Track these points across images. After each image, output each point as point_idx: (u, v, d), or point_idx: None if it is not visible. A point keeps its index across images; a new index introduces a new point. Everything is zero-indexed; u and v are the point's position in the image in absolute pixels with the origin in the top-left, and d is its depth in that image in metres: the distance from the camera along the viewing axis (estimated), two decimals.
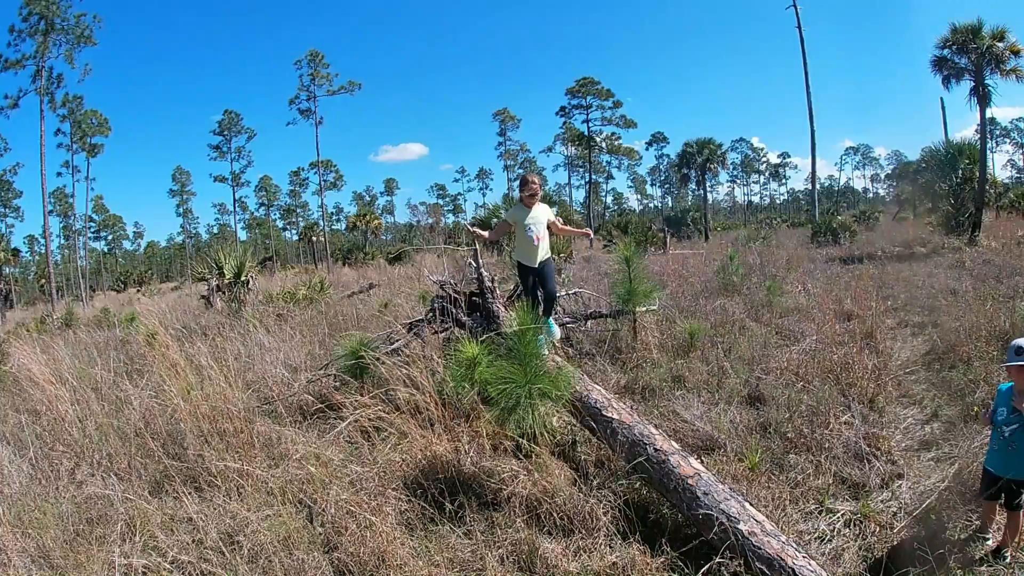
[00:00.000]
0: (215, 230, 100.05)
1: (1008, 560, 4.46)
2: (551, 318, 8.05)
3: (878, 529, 4.92)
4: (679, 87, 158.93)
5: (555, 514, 4.85)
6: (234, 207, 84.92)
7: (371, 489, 5.16)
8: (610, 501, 4.95)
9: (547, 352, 6.53)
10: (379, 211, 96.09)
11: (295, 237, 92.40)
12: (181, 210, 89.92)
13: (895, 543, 4.74)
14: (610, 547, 4.56)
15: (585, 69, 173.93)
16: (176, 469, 5.68)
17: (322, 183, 79.76)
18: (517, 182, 8.15)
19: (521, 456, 5.46)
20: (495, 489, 5.11)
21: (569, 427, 6.32)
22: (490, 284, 8.10)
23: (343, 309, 14.02)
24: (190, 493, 5.21)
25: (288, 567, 4.32)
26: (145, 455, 6.13)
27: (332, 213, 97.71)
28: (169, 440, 6.35)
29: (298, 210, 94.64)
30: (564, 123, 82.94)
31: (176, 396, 6.47)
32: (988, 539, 4.69)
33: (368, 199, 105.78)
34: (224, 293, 17.74)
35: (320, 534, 4.77)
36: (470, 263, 8.41)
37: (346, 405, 6.29)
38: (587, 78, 78.94)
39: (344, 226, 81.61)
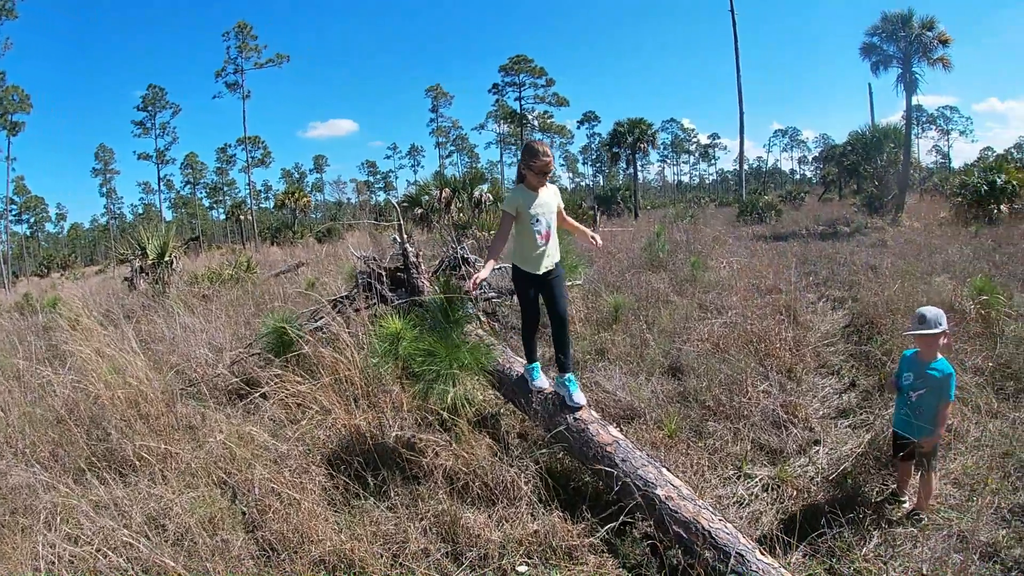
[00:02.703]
0: (140, 210, 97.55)
1: (924, 521, 4.63)
2: (574, 378, 5.62)
3: (795, 493, 5.10)
4: (612, 67, 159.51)
5: (478, 485, 4.90)
6: (159, 186, 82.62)
7: (295, 466, 5.14)
8: (532, 471, 5.02)
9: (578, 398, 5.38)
10: (308, 189, 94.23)
11: (222, 216, 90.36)
12: (104, 190, 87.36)
13: (812, 505, 4.90)
14: (532, 515, 4.62)
15: (519, 47, 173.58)
16: (100, 455, 5.59)
17: (249, 160, 78.34)
18: (523, 151, 5.66)
19: (444, 430, 5.48)
20: (419, 463, 5.14)
21: (494, 401, 6.37)
22: (415, 259, 7.99)
23: (270, 288, 13.84)
24: (115, 478, 5.14)
25: (213, 547, 4.28)
26: (69, 442, 6.00)
27: (260, 191, 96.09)
28: (92, 426, 6.25)
29: (225, 188, 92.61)
30: (497, 100, 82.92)
31: (98, 381, 6.35)
32: (904, 501, 4.88)
33: (297, 176, 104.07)
34: (148, 275, 17.34)
35: (244, 513, 4.74)
36: (395, 238, 8.29)
37: (270, 383, 6.23)
38: (520, 56, 78.94)
39: (272, 204, 80.00)
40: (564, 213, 5.98)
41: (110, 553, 4.22)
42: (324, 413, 5.86)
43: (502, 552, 4.32)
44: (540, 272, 5.61)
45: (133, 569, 4.09)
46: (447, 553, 4.38)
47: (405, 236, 8.06)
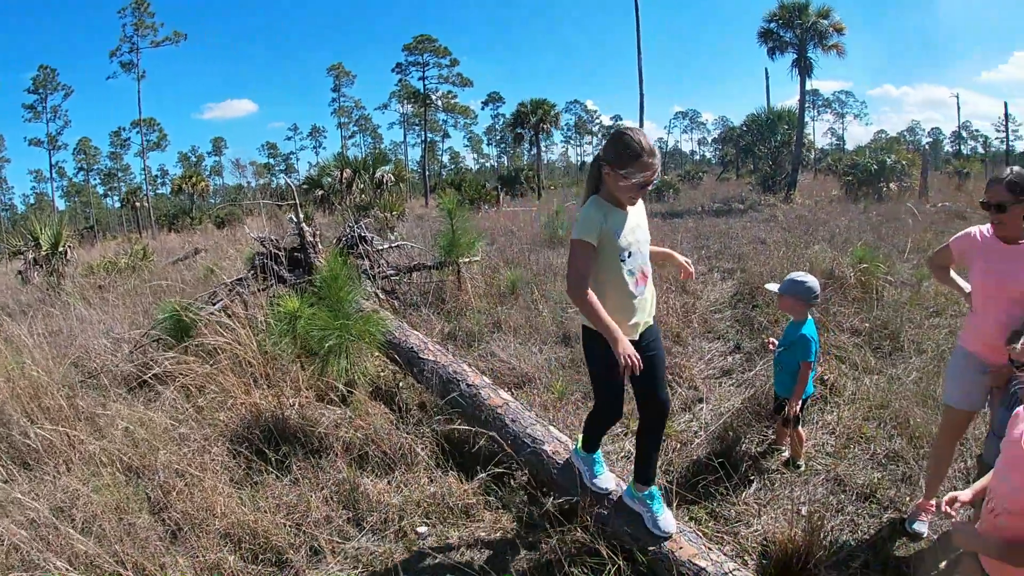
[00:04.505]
0: (32, 200, 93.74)
1: (802, 468, 4.99)
2: (658, 494, 4.10)
3: (679, 446, 5.39)
4: (516, 48, 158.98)
5: (377, 454, 5.05)
6: (51, 173, 79.01)
7: (196, 448, 5.21)
8: (429, 438, 5.23)
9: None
10: (206, 172, 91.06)
11: (118, 204, 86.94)
12: None
13: (694, 457, 5.20)
14: (429, 479, 4.81)
15: (422, 26, 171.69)
16: (2, 450, 5.55)
17: (144, 144, 75.28)
18: (609, 145, 3.71)
19: (343, 403, 5.63)
20: (319, 436, 5.25)
21: (393, 374, 6.52)
22: (311, 239, 8.07)
23: (168, 276, 13.65)
24: (19, 473, 5.11)
25: (120, 532, 4.32)
26: None
27: (156, 176, 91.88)
28: None
29: (120, 174, 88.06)
30: (400, 80, 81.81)
31: None
32: (784, 451, 5.22)
33: (194, 160, 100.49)
34: (42, 267, 16.87)
35: (150, 496, 4.79)
36: (291, 218, 8.31)
37: (169, 369, 6.25)
38: (425, 35, 77.95)
39: (169, 190, 76.73)
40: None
41: (19, 546, 4.24)
42: (224, 395, 5.91)
43: (402, 515, 4.49)
44: (638, 333, 3.88)
45: (42, 557, 4.12)
46: (349, 519, 4.52)
47: (301, 216, 8.11)
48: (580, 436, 4.49)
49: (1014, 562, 2.45)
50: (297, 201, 8.48)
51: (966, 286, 4.33)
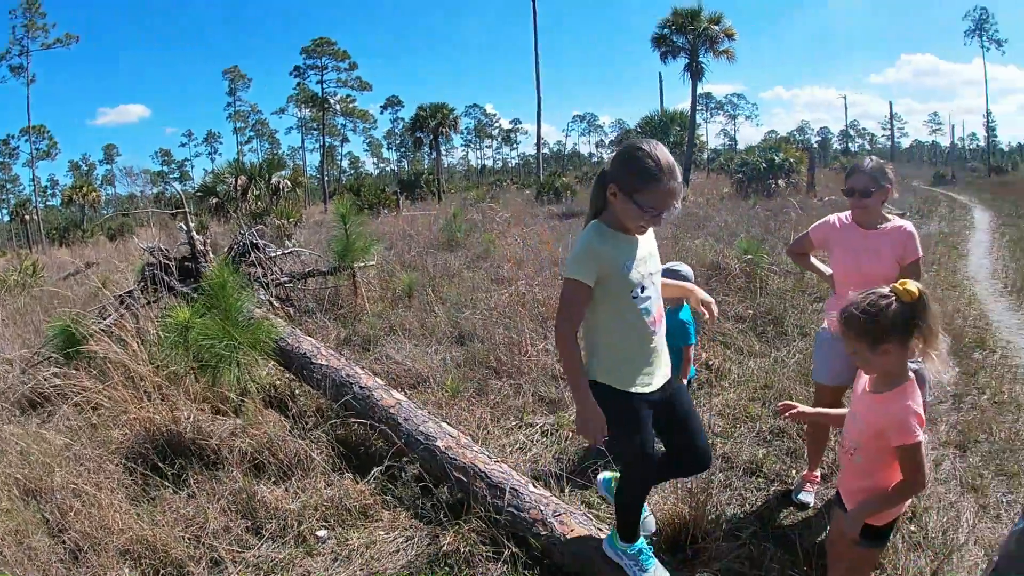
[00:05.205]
0: None
1: None
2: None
3: (571, 435, 5.57)
4: (415, 52, 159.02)
5: (272, 462, 5.05)
6: None
7: (93, 467, 5.15)
8: (324, 442, 5.26)
9: None
10: (98, 182, 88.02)
11: (6, 218, 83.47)
12: None
13: (586, 444, 5.37)
14: (326, 483, 4.83)
15: (321, 29, 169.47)
16: None
17: (34, 152, 72.26)
18: (618, 161, 3.10)
19: (237, 413, 5.61)
20: (215, 448, 5.22)
21: (288, 381, 6.55)
22: (202, 247, 7.98)
23: (59, 292, 13.31)
24: None
25: (21, 556, 4.25)
26: None
27: (46, 187, 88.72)
28: None
29: (8, 185, 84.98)
30: (298, 84, 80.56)
31: None
32: None
33: (85, 169, 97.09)
34: None
35: (48, 519, 4.72)
36: (180, 226, 8.20)
37: (62, 387, 6.13)
38: (323, 38, 76.80)
39: (59, 201, 73.81)
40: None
41: None
42: (118, 411, 5.84)
43: (300, 520, 4.50)
44: (654, 388, 3.26)
45: None
46: (248, 528, 4.52)
47: (192, 225, 8.01)
48: (612, 526, 3.69)
49: (894, 503, 2.80)
50: (187, 209, 8.30)
51: (826, 270, 4.65)
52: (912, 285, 2.63)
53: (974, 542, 4.00)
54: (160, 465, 5.08)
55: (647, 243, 3.24)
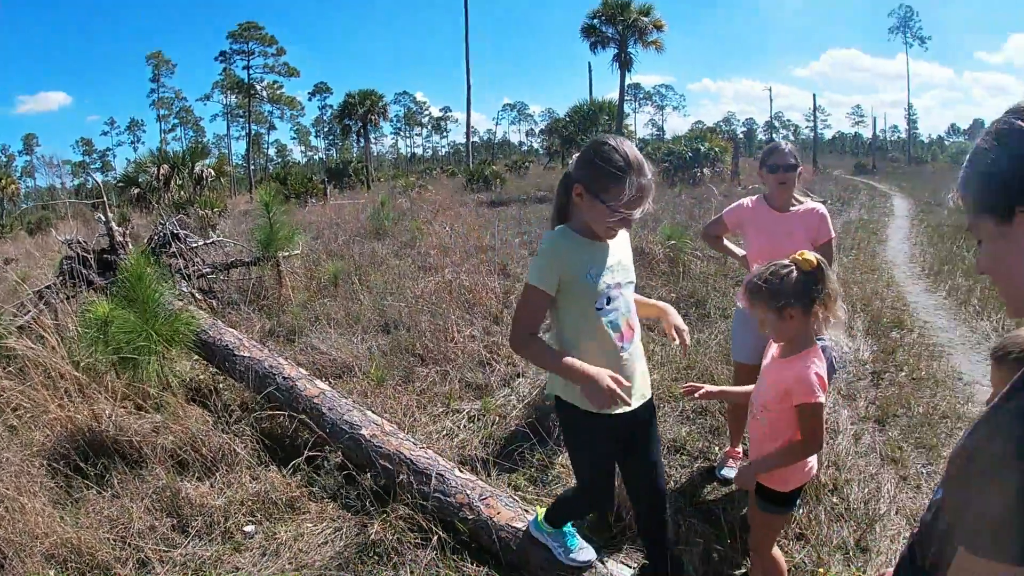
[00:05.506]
0: None
1: None
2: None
3: (498, 419, 5.64)
4: (344, 38, 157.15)
5: (196, 457, 5.00)
6: None
7: (15, 471, 5.05)
8: (248, 436, 5.21)
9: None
10: (17, 174, 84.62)
11: None
12: None
13: (512, 428, 5.47)
14: (252, 477, 4.80)
15: (248, 13, 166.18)
16: None
17: None
18: (582, 160, 2.84)
19: (159, 410, 5.53)
20: (137, 445, 5.13)
21: (212, 375, 6.47)
22: (122, 239, 7.80)
23: None
24: None
25: None
26: None
27: None
28: None
29: None
30: (224, 70, 78.95)
31: None
32: None
33: (4, 160, 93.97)
34: None
35: None
36: (99, 217, 7.99)
37: None
38: (250, 23, 75.62)
39: None
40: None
41: None
42: (39, 411, 5.73)
43: (227, 516, 4.46)
44: (633, 404, 2.92)
45: None
46: (173, 526, 4.46)
47: (112, 216, 7.81)
48: (540, 509, 3.71)
49: (788, 461, 2.89)
50: (105, 200, 8.09)
51: (739, 251, 4.80)
52: (810, 255, 2.76)
53: (895, 512, 4.19)
54: (83, 466, 4.97)
55: (618, 250, 3.00)
